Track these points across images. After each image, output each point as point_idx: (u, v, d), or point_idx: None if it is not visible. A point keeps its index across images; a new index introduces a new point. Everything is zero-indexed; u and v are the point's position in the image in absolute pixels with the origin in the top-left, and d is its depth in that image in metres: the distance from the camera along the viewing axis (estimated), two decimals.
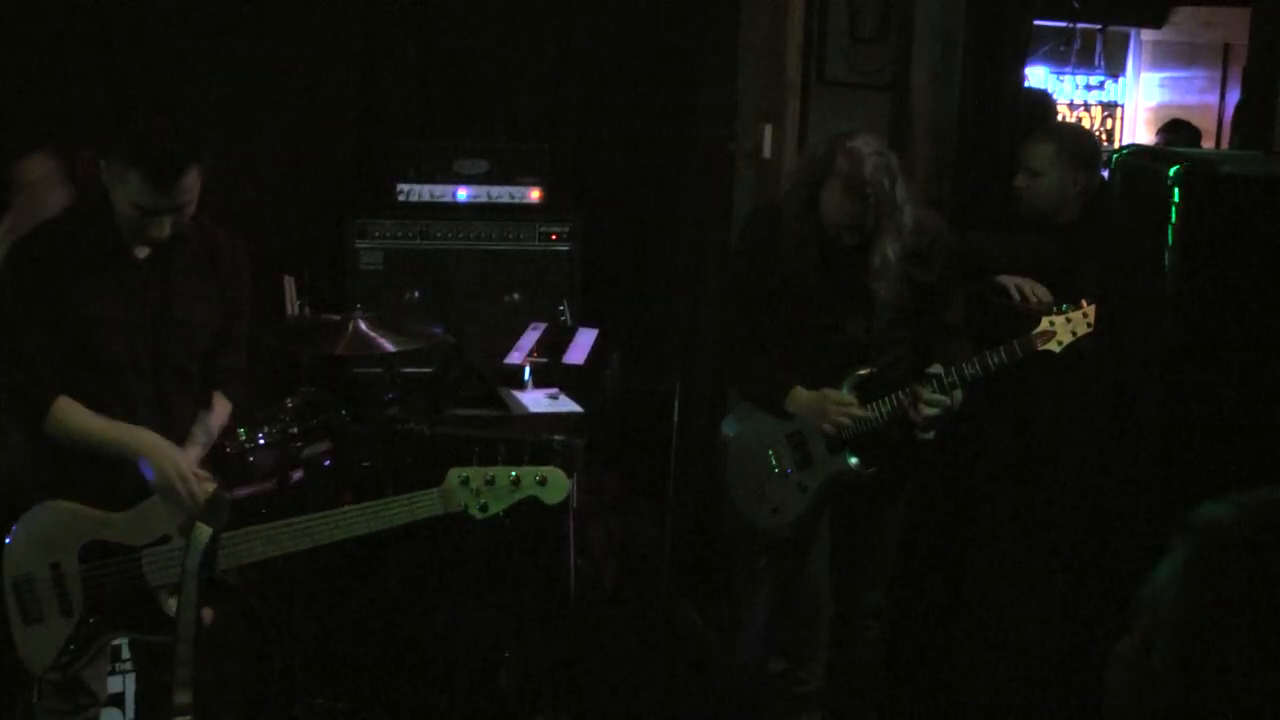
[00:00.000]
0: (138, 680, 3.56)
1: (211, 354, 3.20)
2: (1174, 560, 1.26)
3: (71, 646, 2.99)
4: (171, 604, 2.93)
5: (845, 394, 3.45)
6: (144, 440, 2.98)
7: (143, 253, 3.04)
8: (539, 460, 3.91)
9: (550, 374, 4.27)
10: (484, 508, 2.94)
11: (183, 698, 2.72)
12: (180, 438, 3.10)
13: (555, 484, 2.95)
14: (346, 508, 3.02)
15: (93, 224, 3.02)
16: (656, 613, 4.72)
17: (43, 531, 3.01)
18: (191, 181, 2.93)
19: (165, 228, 2.95)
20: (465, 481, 2.93)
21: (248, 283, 3.25)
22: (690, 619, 4.74)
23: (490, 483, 2.93)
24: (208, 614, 2.96)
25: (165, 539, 2.99)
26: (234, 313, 3.21)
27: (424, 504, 2.95)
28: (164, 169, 2.88)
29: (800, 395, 3.49)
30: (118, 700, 3.56)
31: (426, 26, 5.21)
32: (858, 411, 3.43)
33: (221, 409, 3.25)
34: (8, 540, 3.02)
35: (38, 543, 3.00)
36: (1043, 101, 5.41)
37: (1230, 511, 1.25)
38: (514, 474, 2.94)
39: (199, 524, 2.81)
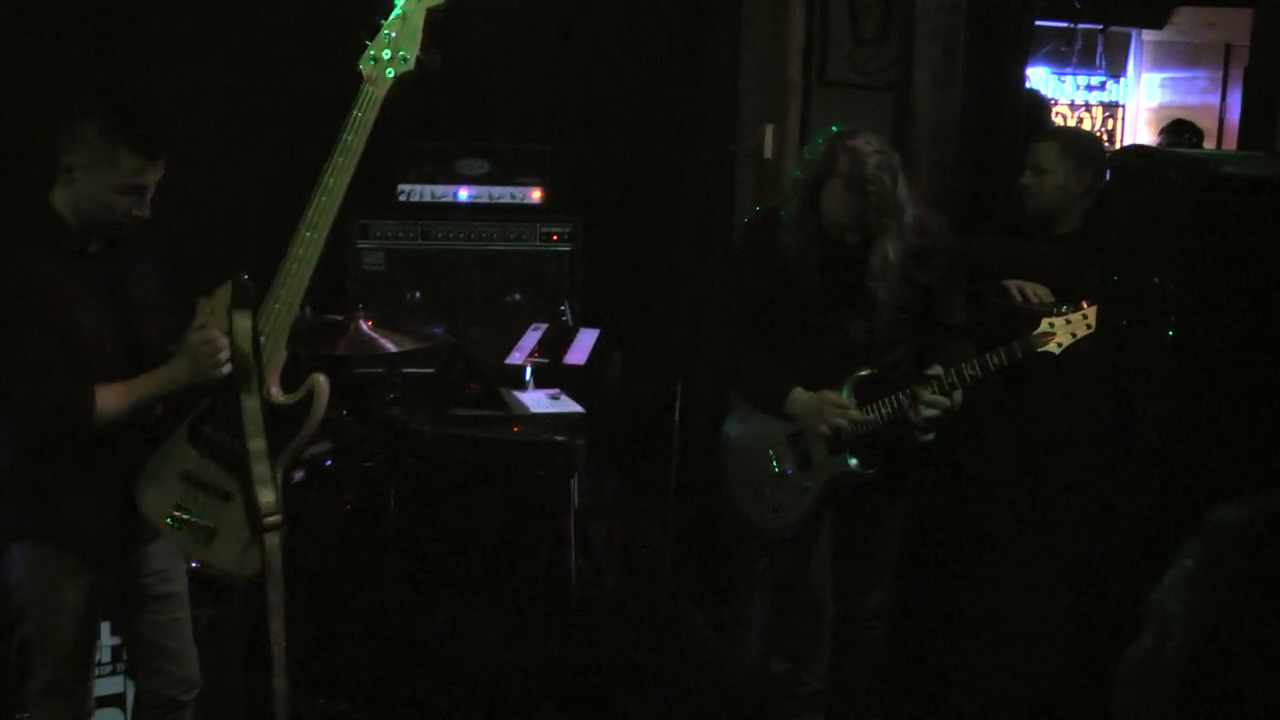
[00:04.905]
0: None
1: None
2: (1185, 563, 1.26)
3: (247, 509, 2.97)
4: (275, 394, 2.97)
5: (844, 396, 3.45)
6: (177, 364, 2.95)
7: (95, 247, 2.99)
8: (539, 462, 3.93)
9: (551, 374, 4.27)
10: (404, 59, 2.96)
11: (266, 495, 2.69)
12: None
13: None
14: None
15: (42, 231, 2.93)
16: (657, 613, 4.72)
17: (156, 465, 3.01)
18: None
19: (147, 204, 2.94)
20: (375, 60, 2.98)
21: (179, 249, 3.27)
22: (691, 619, 4.73)
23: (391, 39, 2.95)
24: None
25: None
26: (174, 283, 3.20)
27: (367, 104, 2.98)
28: (155, 136, 2.88)
29: (799, 397, 3.48)
30: (118, 700, 3.56)
31: (427, 27, 5.20)
32: (855, 414, 3.43)
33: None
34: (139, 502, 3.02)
35: (157, 476, 3.00)
36: (1037, 102, 5.41)
37: (1241, 514, 1.25)
38: (399, 10, 2.94)
39: (234, 313, 2.82)
